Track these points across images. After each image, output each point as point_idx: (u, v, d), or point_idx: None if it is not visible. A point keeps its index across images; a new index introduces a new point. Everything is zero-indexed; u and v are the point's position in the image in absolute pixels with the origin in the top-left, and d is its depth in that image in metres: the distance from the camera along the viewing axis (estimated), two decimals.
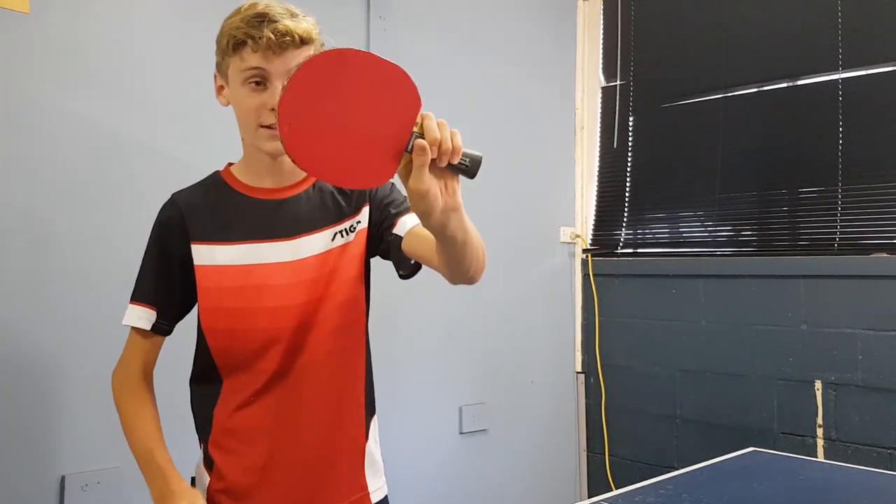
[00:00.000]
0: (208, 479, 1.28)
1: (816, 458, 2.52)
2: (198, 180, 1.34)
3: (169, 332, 1.31)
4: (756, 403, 2.71)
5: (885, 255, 2.46)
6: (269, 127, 1.19)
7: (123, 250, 1.96)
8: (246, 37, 1.16)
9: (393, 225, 1.25)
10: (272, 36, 1.15)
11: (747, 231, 2.87)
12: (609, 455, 3.13)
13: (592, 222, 3.30)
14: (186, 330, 1.32)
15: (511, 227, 2.93)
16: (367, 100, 0.92)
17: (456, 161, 0.94)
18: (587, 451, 3.21)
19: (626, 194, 3.20)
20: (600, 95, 3.32)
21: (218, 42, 1.23)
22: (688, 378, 2.91)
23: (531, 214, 3.05)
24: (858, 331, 2.49)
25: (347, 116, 0.92)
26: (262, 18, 1.16)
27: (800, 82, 2.75)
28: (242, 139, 1.28)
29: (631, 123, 3.21)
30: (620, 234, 3.20)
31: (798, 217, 2.75)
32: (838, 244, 2.58)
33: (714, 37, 2.96)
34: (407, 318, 2.58)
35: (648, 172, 3.16)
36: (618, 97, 3.24)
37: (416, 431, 2.61)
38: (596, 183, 3.30)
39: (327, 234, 1.27)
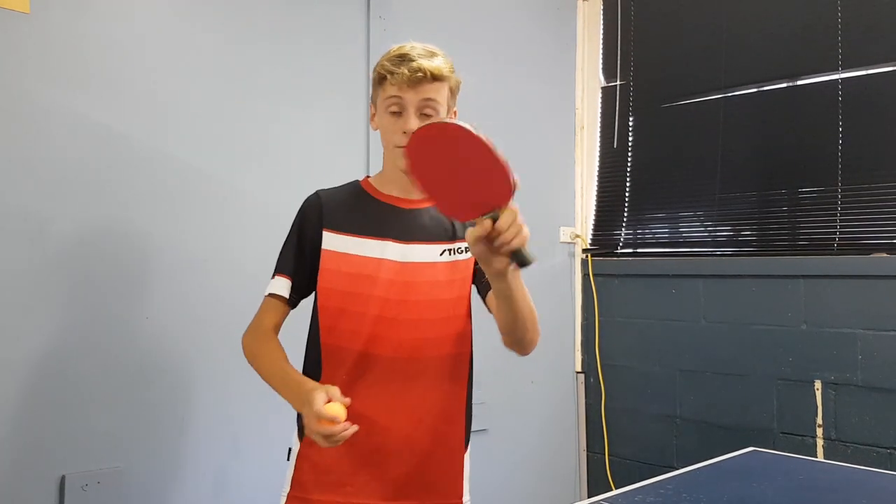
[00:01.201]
0: (298, 444, 1.46)
1: (816, 457, 2.52)
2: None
3: (294, 305, 1.48)
4: (756, 403, 2.71)
5: (885, 255, 2.46)
6: (402, 147, 1.35)
7: (124, 250, 1.97)
8: (387, 73, 1.41)
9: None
10: (407, 72, 1.38)
11: (747, 231, 2.87)
12: (609, 455, 3.13)
13: (592, 222, 3.30)
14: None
15: None
16: (473, 166, 1.16)
17: (509, 250, 1.15)
18: (587, 451, 3.21)
19: (626, 194, 3.20)
20: (600, 95, 3.32)
21: (372, 78, 1.48)
22: (688, 378, 2.91)
23: (531, 214, 2.99)
24: (858, 331, 2.49)
25: (455, 166, 1.18)
26: (403, 58, 1.40)
27: (799, 82, 2.75)
28: (384, 155, 1.50)
29: (631, 123, 3.21)
30: (620, 234, 3.20)
31: (798, 217, 2.75)
32: (838, 244, 2.58)
33: (714, 37, 2.96)
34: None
35: (648, 172, 3.16)
36: (618, 97, 3.24)
37: None
38: (596, 183, 3.30)
39: (437, 248, 1.46)
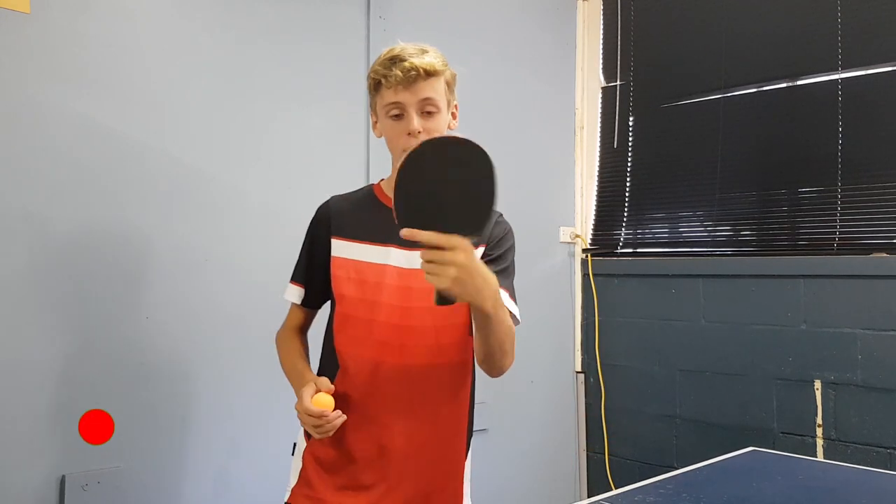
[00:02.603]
0: (304, 442, 1.48)
1: (816, 457, 2.52)
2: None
3: (317, 307, 1.56)
4: (756, 403, 2.71)
5: (885, 254, 2.47)
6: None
7: (123, 250, 1.97)
8: (381, 77, 1.38)
9: None
10: (400, 73, 1.36)
11: (747, 231, 2.87)
12: (609, 455, 3.13)
13: (592, 222, 3.30)
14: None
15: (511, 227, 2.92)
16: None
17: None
18: (587, 451, 3.21)
19: (626, 194, 3.20)
20: (600, 95, 3.32)
21: (367, 85, 1.46)
22: (687, 378, 2.91)
23: (531, 214, 3.05)
24: (858, 331, 2.49)
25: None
26: (394, 60, 1.37)
27: (799, 82, 2.75)
28: (393, 161, 1.47)
29: (631, 123, 3.21)
30: (620, 234, 3.20)
31: (797, 217, 2.75)
32: (838, 244, 2.58)
33: (714, 37, 2.97)
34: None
35: (648, 172, 3.16)
36: (618, 97, 3.24)
37: None
38: (596, 183, 3.31)
39: None
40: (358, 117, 2.47)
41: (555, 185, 3.22)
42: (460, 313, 1.43)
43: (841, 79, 2.61)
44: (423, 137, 1.32)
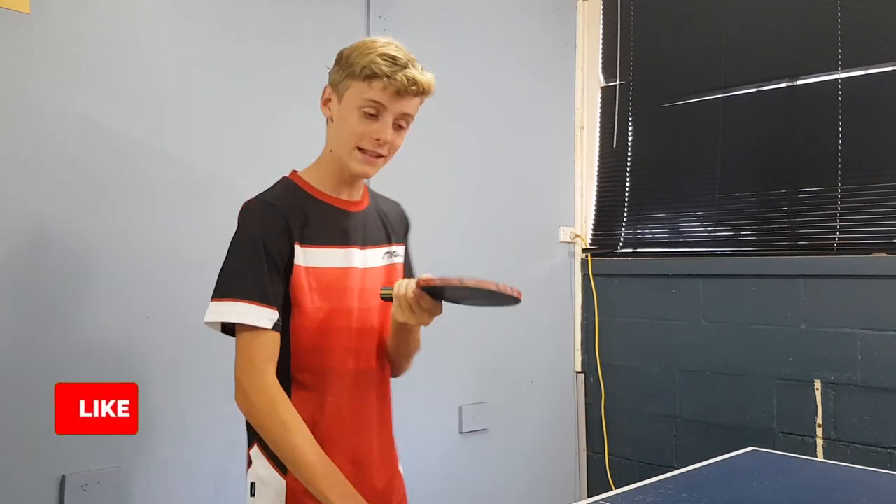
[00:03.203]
0: (282, 480, 1.31)
1: (816, 457, 2.52)
2: (269, 185, 1.43)
3: (280, 330, 1.31)
4: (756, 403, 2.71)
5: (885, 254, 2.46)
6: (363, 151, 1.33)
7: (124, 250, 1.97)
8: (382, 73, 1.29)
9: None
10: (404, 82, 1.29)
11: (747, 231, 2.87)
12: (609, 454, 3.13)
13: (592, 222, 3.30)
14: None
15: (511, 227, 2.93)
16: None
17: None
18: (587, 451, 3.21)
19: (626, 194, 3.20)
20: (600, 95, 3.32)
21: (343, 63, 1.34)
22: (687, 378, 2.91)
23: (531, 214, 3.05)
24: (858, 330, 2.49)
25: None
26: (396, 62, 1.29)
27: (799, 82, 2.75)
28: (329, 151, 1.39)
29: (631, 123, 3.21)
30: (620, 234, 3.20)
31: (797, 217, 2.75)
32: (838, 244, 2.58)
33: (714, 37, 2.96)
34: None
35: (648, 172, 3.16)
36: (618, 97, 3.24)
37: (417, 431, 2.61)
38: (596, 183, 3.30)
39: (382, 251, 1.44)
40: None
41: (555, 185, 3.22)
42: (386, 312, 1.41)
43: (841, 79, 2.61)
44: (386, 150, 1.34)
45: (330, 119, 1.37)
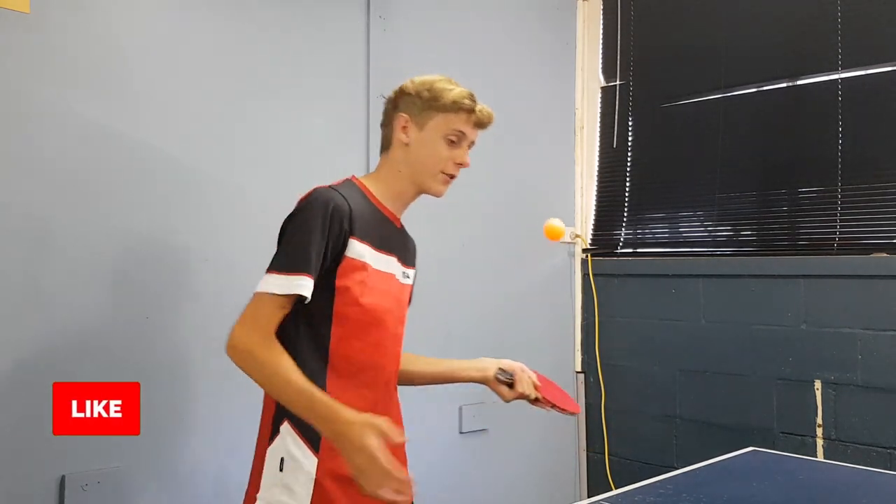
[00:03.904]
0: (315, 459, 1.37)
1: (816, 457, 2.52)
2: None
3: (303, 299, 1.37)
4: (756, 403, 2.71)
5: (885, 255, 2.46)
6: (445, 174, 1.50)
7: (124, 250, 1.97)
8: (471, 109, 1.48)
9: None
10: (486, 116, 1.51)
11: (747, 231, 2.87)
12: (609, 455, 3.13)
13: (592, 222, 3.30)
14: None
15: (511, 227, 2.93)
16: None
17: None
18: (587, 451, 3.21)
19: (626, 194, 3.20)
20: (600, 95, 3.32)
21: (426, 95, 1.49)
22: (688, 378, 2.91)
23: (531, 214, 3.04)
24: (858, 330, 2.49)
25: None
26: (474, 99, 1.50)
27: (799, 82, 2.75)
28: (397, 171, 1.51)
29: (631, 123, 3.21)
30: (620, 234, 3.20)
31: (797, 217, 2.75)
32: (838, 244, 2.58)
33: (714, 37, 2.96)
34: (407, 318, 2.57)
35: (648, 172, 3.16)
36: (618, 97, 3.24)
37: (417, 431, 2.60)
38: (596, 183, 3.30)
39: (409, 271, 1.59)
40: (358, 117, 2.47)
41: (555, 185, 3.22)
42: (404, 322, 1.58)
43: (841, 79, 2.61)
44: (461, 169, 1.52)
45: (405, 144, 1.50)
